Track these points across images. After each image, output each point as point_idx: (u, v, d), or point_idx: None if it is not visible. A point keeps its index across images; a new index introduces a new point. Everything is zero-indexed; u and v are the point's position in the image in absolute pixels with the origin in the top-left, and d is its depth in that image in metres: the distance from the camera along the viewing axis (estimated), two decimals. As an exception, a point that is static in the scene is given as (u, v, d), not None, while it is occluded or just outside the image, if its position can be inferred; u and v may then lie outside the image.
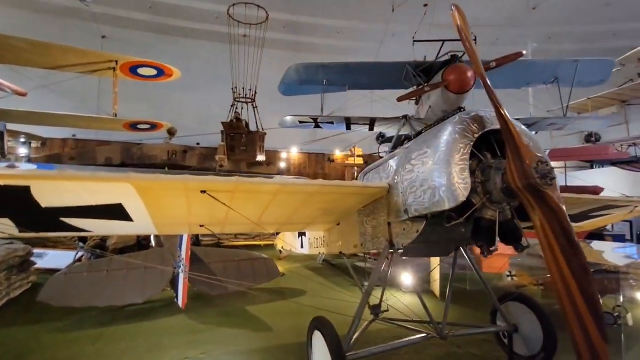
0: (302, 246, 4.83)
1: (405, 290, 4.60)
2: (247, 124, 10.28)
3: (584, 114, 10.55)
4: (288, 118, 8.47)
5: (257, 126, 10.61)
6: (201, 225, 2.95)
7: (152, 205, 2.30)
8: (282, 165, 13.06)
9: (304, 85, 8.40)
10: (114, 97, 7.02)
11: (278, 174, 12.26)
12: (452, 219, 1.87)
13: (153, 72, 7.47)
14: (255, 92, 10.86)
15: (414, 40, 7.84)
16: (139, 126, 7.64)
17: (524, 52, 6.47)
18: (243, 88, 10.64)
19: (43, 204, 2.09)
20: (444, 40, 7.82)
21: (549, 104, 9.73)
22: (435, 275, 4.78)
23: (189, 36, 14.24)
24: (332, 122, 8.27)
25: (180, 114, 13.26)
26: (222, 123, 10.02)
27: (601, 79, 8.12)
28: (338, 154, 14.75)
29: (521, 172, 1.76)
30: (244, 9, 10.84)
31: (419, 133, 2.68)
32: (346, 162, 8.20)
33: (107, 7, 11.93)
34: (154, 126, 7.85)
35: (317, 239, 4.12)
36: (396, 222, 2.38)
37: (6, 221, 2.24)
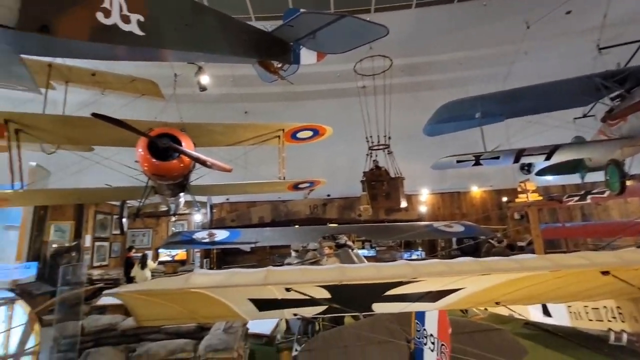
0: (546, 313, 3.84)
1: None
2: (387, 172, 10.04)
3: None
4: (445, 159, 7.82)
5: (394, 172, 10.33)
6: (497, 303, 2.40)
7: (495, 287, 1.83)
8: (423, 209, 12.25)
9: (454, 122, 7.83)
10: (280, 162, 7.57)
11: (418, 219, 11.48)
12: None
13: (310, 134, 7.92)
14: (390, 138, 10.73)
15: (600, 48, 6.73)
16: (300, 186, 8.01)
17: None
18: (378, 136, 10.64)
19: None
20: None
21: None
22: None
23: (310, 98, 15.51)
24: (497, 157, 7.30)
25: (309, 170, 14.05)
26: (364, 173, 9.99)
27: None
28: (476, 190, 13.29)
29: None
30: (369, 62, 11.27)
31: None
32: (529, 200, 6.97)
33: (249, 87, 13.99)
34: (312, 184, 8.15)
35: (598, 308, 3.13)
36: None
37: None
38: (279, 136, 7.59)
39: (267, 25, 4.90)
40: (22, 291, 4.85)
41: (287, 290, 1.45)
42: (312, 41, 4.49)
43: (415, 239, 11.01)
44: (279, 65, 4.77)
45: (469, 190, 13.48)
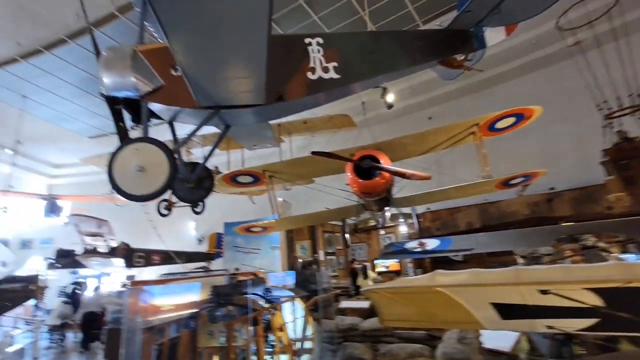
0: None
1: None
2: (645, 141, 7.18)
3: None
4: None
5: (659, 140, 7.22)
6: None
7: None
8: None
9: None
10: (481, 160, 6.84)
11: None
12: None
13: (511, 120, 6.83)
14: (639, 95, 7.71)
15: None
16: (511, 182, 6.92)
17: None
18: (618, 98, 7.86)
19: None
20: None
21: None
22: None
23: (502, 81, 13.45)
24: None
25: (520, 162, 11.93)
26: (606, 151, 7.55)
27: None
28: None
29: None
30: (579, 10, 8.71)
31: None
32: None
33: (428, 92, 13.77)
34: (526, 178, 6.88)
35: None
36: None
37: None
38: (473, 132, 6.95)
39: (437, 23, 4.74)
40: (289, 294, 6.59)
41: (543, 292, 1.24)
42: (497, 17, 3.98)
43: None
44: (463, 57, 4.46)
45: None
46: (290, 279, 9.10)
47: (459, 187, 6.82)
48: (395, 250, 7.08)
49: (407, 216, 8.10)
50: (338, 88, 3.77)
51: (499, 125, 6.99)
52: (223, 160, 10.42)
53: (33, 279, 7.85)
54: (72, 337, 11.12)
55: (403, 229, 11.18)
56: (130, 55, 3.02)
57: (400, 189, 7.10)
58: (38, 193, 12.89)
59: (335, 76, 3.70)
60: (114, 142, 3.07)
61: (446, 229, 10.36)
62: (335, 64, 3.70)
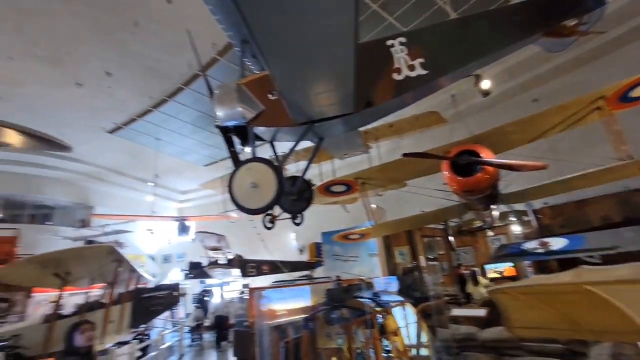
0: None
1: None
2: None
3: None
4: None
5: None
6: None
7: None
8: None
9: None
10: (615, 138, 5.67)
11: None
12: None
13: (646, 89, 5.48)
14: None
15: None
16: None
17: None
18: None
19: None
20: None
21: None
22: None
23: (627, 42, 10.97)
24: None
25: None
26: None
27: None
28: None
29: None
30: None
31: None
32: None
33: (528, 72, 12.09)
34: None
35: None
36: None
37: None
38: (599, 107, 5.82)
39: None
40: (394, 300, 6.44)
41: None
42: (619, -36, 3.32)
43: None
44: (575, 22, 3.80)
45: None
46: (394, 284, 8.89)
47: (586, 174, 5.75)
48: (511, 253, 6.26)
49: (520, 214, 7.12)
50: (427, 84, 3.63)
51: (635, 93, 5.70)
52: (315, 173, 10.94)
53: (175, 287, 9.44)
54: (206, 336, 12.96)
55: (516, 228, 9.82)
56: (236, 89, 3.49)
57: (509, 184, 6.33)
58: (172, 216, 15.57)
59: (423, 72, 3.58)
60: (223, 168, 3.56)
61: (573, 225, 8.73)
62: (421, 60, 3.59)
